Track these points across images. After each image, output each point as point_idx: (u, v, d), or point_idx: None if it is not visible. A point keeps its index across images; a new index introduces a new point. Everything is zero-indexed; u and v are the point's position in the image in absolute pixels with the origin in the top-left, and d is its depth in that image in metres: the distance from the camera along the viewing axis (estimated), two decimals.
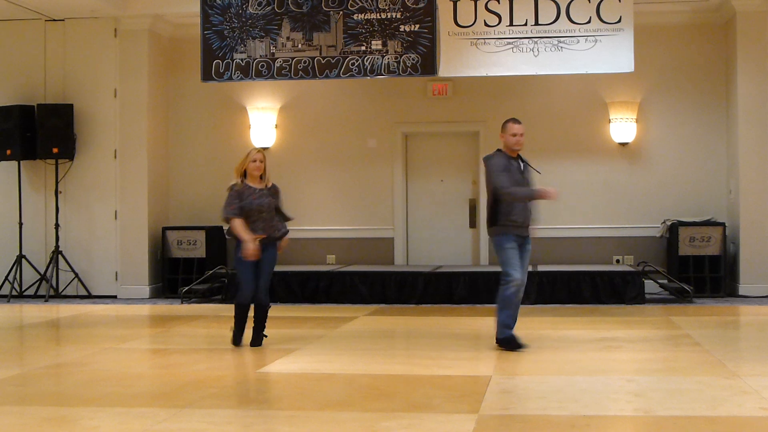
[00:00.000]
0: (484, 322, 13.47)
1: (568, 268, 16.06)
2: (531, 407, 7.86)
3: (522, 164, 10.90)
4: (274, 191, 11.21)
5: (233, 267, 11.16)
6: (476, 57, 15.08)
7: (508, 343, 10.71)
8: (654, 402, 8.02)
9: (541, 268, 16.14)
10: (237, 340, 11.22)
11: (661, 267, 16.45)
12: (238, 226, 10.94)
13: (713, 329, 12.70)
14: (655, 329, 12.59)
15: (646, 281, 15.87)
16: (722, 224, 16.28)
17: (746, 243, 16.15)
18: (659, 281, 16.17)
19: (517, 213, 10.71)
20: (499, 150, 10.91)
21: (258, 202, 11.01)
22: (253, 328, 11.21)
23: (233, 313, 11.24)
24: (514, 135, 10.79)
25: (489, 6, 14.99)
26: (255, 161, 11.10)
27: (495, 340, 10.87)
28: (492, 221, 10.76)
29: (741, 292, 16.13)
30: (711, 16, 16.84)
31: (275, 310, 14.10)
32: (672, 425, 7.10)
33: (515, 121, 10.91)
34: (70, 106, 16.93)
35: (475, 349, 11.35)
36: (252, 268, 11.02)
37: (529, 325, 12.92)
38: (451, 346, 11.26)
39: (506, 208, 10.68)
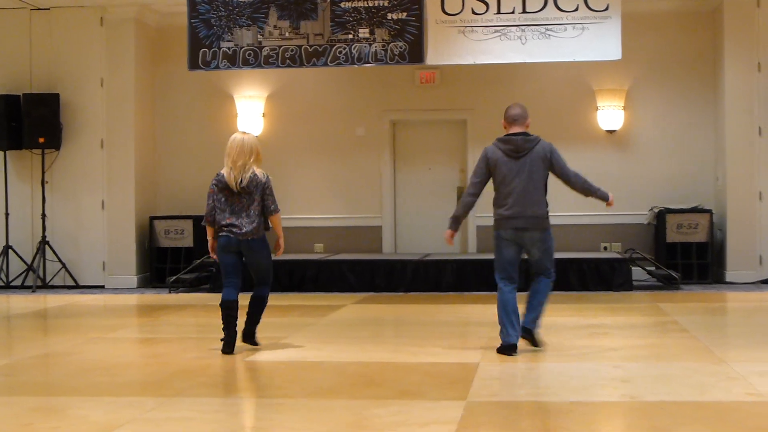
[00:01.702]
0: (472, 310, 13.51)
1: (556, 255, 15.97)
2: (519, 394, 7.88)
3: None
4: None
5: (270, 258, 10.30)
6: (464, 45, 15.06)
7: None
8: (641, 388, 8.04)
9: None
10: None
11: (648, 254, 16.48)
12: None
13: (700, 316, 12.74)
14: (643, 316, 12.62)
15: (633, 268, 15.90)
16: (709, 211, 16.31)
17: (733, 230, 16.18)
18: (647, 268, 16.20)
19: None
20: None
21: None
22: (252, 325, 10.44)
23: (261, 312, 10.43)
24: None
25: None
26: None
27: (526, 331, 9.99)
28: (546, 213, 10.02)
29: (728, 278, 16.16)
30: (698, 3, 16.85)
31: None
32: (659, 411, 7.11)
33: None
34: (57, 96, 16.88)
35: (464, 336, 11.38)
36: None
37: None
38: (439, 333, 11.28)
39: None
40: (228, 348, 9.89)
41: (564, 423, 6.82)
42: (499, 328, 9.83)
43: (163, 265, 17.01)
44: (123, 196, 17.04)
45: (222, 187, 10.13)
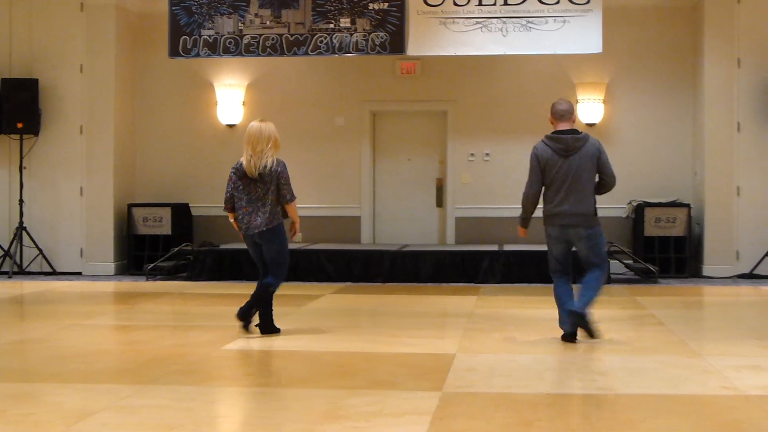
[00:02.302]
0: (450, 301, 13.52)
1: (535, 248, 16.06)
2: (494, 385, 7.88)
3: None
4: None
5: (284, 248, 10.44)
6: (445, 36, 15.07)
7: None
8: (618, 380, 8.07)
9: (507, 247, 16.19)
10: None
11: (626, 247, 16.51)
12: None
13: (677, 309, 12.78)
14: (620, 309, 12.65)
15: (611, 261, 15.92)
16: (687, 205, 16.35)
17: (711, 224, 16.24)
18: (624, 261, 16.23)
19: None
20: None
21: None
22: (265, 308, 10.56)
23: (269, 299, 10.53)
24: None
25: None
26: None
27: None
28: (593, 211, 10.11)
29: (705, 272, 16.22)
30: None
31: (242, 288, 14.09)
32: (635, 404, 7.13)
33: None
34: (36, 81, 16.81)
35: (440, 327, 11.38)
36: None
37: (494, 304, 12.99)
38: (416, 324, 11.28)
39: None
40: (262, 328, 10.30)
41: (539, 414, 6.83)
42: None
43: (140, 253, 16.97)
44: (101, 182, 16.98)
45: (240, 174, 10.30)
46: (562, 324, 9.97)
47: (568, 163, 9.98)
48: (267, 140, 10.26)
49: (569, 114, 10.12)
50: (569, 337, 9.84)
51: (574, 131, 10.05)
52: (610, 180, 10.18)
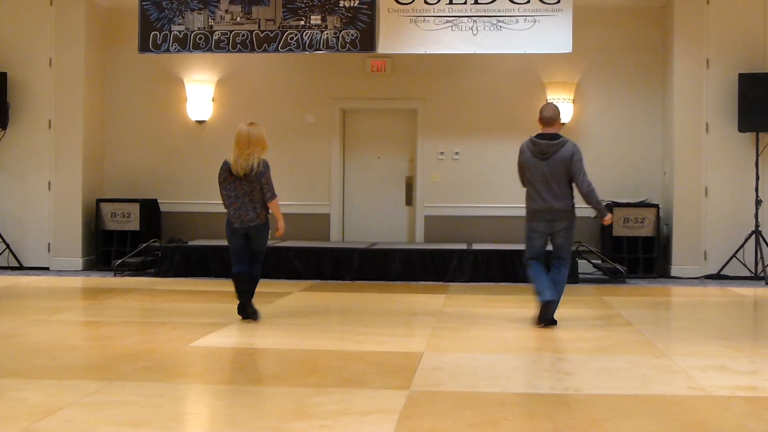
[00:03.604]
0: (419, 299, 13.53)
1: (503, 247, 16.13)
2: (462, 384, 7.89)
3: None
4: None
5: (264, 244, 11.30)
6: (415, 34, 15.08)
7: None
8: (584, 380, 8.08)
9: (475, 246, 16.22)
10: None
11: (594, 247, 16.58)
12: (278, 206, 11.15)
13: (645, 309, 12.82)
14: (588, 309, 12.68)
15: (579, 261, 15.98)
16: (656, 206, 16.43)
17: (679, 225, 16.32)
18: (593, 261, 16.29)
19: None
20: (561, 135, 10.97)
21: None
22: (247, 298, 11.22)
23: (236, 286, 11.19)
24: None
25: None
26: None
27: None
28: (569, 206, 10.90)
29: (673, 273, 16.30)
30: None
31: (209, 284, 14.07)
32: (602, 403, 7.15)
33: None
34: (4, 75, 16.72)
35: (409, 325, 11.39)
36: None
37: (462, 302, 12.99)
38: (384, 322, 11.28)
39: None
40: (242, 312, 11.08)
41: (506, 414, 6.84)
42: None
43: (108, 248, 16.93)
44: (70, 177, 16.92)
45: (227, 173, 10.98)
46: (540, 297, 10.80)
47: (545, 165, 10.80)
48: (255, 144, 10.89)
49: (553, 120, 10.87)
50: (547, 307, 10.77)
51: (554, 136, 10.80)
52: (579, 185, 10.83)
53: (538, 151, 10.78)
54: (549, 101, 11.37)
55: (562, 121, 11.07)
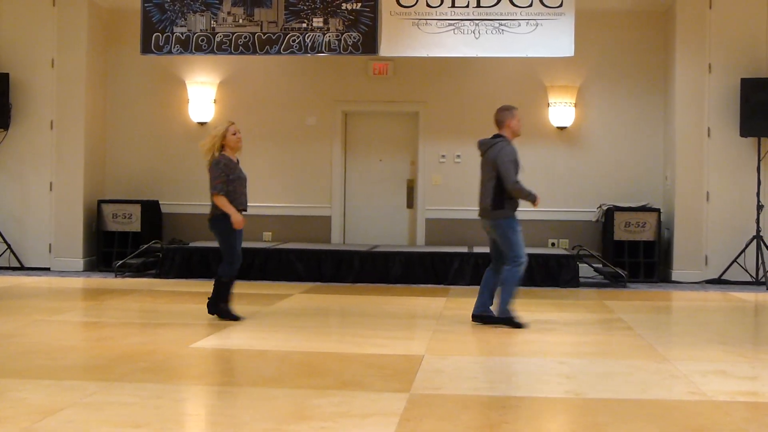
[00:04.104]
0: (419, 302, 13.52)
1: None
2: (462, 387, 7.88)
3: None
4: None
5: (222, 240, 11.33)
6: (417, 37, 15.08)
7: (512, 321, 11.02)
8: (585, 384, 8.07)
9: (477, 249, 16.21)
10: (231, 314, 11.33)
11: (596, 251, 16.58)
12: (225, 200, 11.08)
13: (645, 314, 12.81)
14: (589, 313, 12.67)
15: (580, 265, 15.98)
16: (657, 210, 16.42)
17: (680, 229, 16.31)
18: (594, 265, 16.28)
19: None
20: (504, 137, 11.20)
21: (244, 175, 11.35)
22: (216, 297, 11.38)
23: (216, 289, 11.37)
24: (519, 121, 11.32)
25: None
26: (236, 134, 11.27)
27: (476, 317, 11.23)
28: (499, 205, 11.02)
29: (674, 278, 16.29)
30: (651, 3, 16.96)
31: (210, 286, 14.08)
32: (602, 407, 7.14)
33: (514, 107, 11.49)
34: (6, 75, 16.73)
35: (409, 328, 11.38)
36: (239, 241, 11.36)
37: (463, 305, 12.97)
38: (385, 325, 11.27)
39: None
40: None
41: (506, 417, 6.83)
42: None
43: (110, 249, 16.94)
44: (71, 178, 16.93)
45: None
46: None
47: (482, 162, 11.28)
48: (211, 139, 11.19)
49: (499, 123, 11.31)
50: (475, 318, 11.25)
51: (495, 136, 11.23)
52: (504, 182, 10.99)
53: (479, 149, 11.37)
54: (504, 105, 11.41)
55: (512, 123, 11.18)
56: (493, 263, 11.36)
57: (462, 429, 6.45)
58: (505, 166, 10.92)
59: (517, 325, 10.92)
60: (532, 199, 11.04)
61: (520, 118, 11.30)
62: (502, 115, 11.25)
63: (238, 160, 11.35)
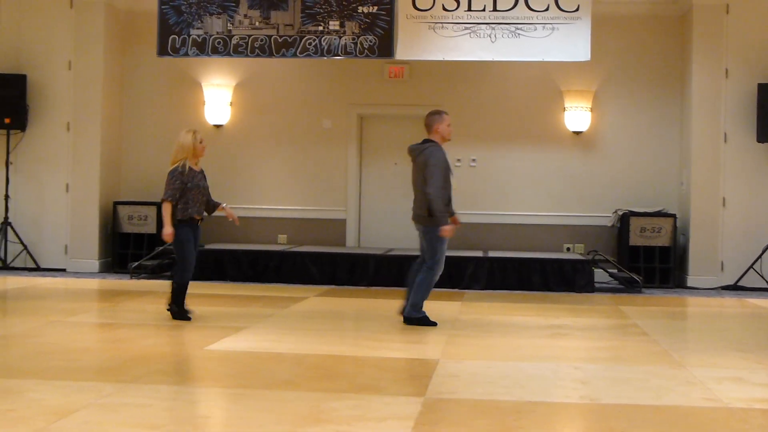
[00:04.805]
0: (434, 306, 13.47)
1: (519, 255, 16.11)
2: (477, 392, 7.87)
3: None
4: (204, 175, 11.44)
5: (176, 247, 11.54)
6: (433, 41, 15.08)
7: (426, 321, 11.30)
8: (600, 390, 8.06)
9: (491, 254, 16.19)
10: (184, 314, 11.34)
11: (611, 256, 16.54)
12: (169, 209, 11.28)
13: (661, 319, 12.78)
14: (604, 318, 12.66)
15: (595, 270, 15.95)
16: (673, 215, 16.37)
17: (696, 235, 16.26)
18: (609, 270, 16.25)
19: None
20: (434, 141, 11.33)
21: (202, 184, 11.43)
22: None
23: (171, 292, 11.54)
24: (449, 125, 11.46)
25: None
26: (202, 143, 11.32)
27: (405, 319, 11.46)
28: (430, 212, 11.16)
29: (689, 283, 16.24)
30: (668, 7, 16.93)
31: (225, 288, 14.08)
32: (617, 413, 7.13)
33: (444, 111, 11.56)
34: (24, 77, 16.78)
35: (424, 332, 11.36)
36: (193, 248, 11.42)
37: (478, 310, 12.98)
38: (399, 329, 11.26)
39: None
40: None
41: (521, 423, 6.83)
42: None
43: (125, 251, 16.96)
44: (87, 179, 16.96)
45: None
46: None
47: (413, 168, 11.48)
48: (182, 152, 11.38)
49: (428, 127, 11.47)
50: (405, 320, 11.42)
51: (424, 141, 11.40)
52: (426, 186, 11.15)
53: (409, 155, 11.55)
54: (434, 109, 11.47)
55: (441, 127, 11.33)
56: (420, 262, 11.57)
57: None
58: (430, 170, 11.07)
59: (432, 323, 11.26)
60: (437, 222, 11.12)
61: (450, 123, 11.41)
62: (431, 119, 11.36)
63: (201, 170, 11.52)
